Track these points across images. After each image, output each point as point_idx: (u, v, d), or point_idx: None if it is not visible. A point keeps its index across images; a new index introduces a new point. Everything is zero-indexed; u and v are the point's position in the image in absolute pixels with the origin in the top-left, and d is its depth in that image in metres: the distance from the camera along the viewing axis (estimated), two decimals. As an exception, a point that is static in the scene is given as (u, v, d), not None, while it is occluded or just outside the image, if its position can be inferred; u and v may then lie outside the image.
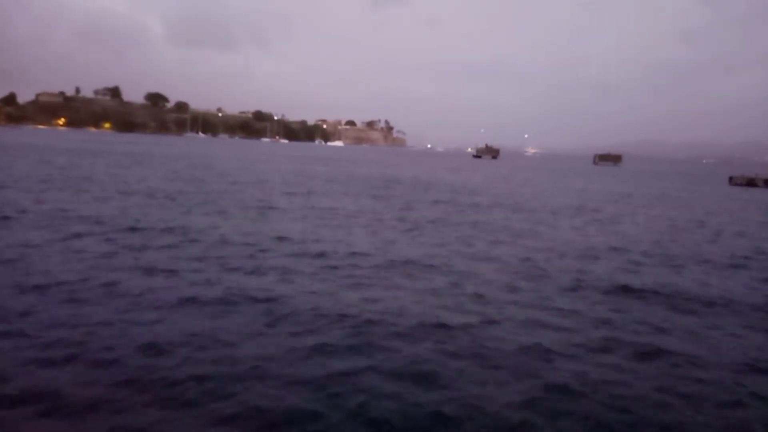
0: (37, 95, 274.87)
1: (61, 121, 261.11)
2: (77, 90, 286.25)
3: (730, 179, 62.38)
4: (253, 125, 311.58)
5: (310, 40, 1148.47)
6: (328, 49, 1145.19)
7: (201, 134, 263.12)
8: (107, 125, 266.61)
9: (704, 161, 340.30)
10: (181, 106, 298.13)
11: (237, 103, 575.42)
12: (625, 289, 10.31)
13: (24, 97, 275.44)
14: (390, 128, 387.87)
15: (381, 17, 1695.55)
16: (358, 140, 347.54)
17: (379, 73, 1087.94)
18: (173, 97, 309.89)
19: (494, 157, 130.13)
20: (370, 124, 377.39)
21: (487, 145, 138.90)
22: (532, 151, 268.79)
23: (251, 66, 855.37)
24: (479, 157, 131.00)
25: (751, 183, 58.04)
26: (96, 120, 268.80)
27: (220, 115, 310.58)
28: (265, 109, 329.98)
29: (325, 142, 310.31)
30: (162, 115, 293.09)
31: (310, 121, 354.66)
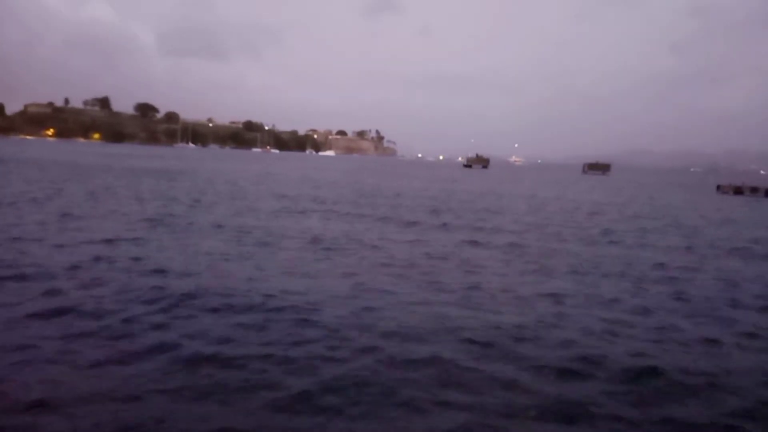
0: (26, 106, 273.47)
1: (50, 131, 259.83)
2: (66, 101, 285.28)
3: (718, 187, 63.47)
4: (244, 135, 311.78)
5: (302, 51, 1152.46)
6: (320, 59, 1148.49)
7: (191, 145, 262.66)
8: (96, 136, 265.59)
9: (692, 170, 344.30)
10: (171, 117, 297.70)
11: (228, 114, 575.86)
12: None
13: (12, 107, 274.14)
14: (380, 138, 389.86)
15: (373, 28, 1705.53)
16: (349, 150, 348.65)
17: (370, 83, 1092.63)
18: (164, 107, 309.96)
19: (484, 167, 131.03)
20: (361, 134, 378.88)
21: (477, 155, 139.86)
22: (517, 160, 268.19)
23: (243, 76, 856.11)
24: (470, 166, 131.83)
25: (738, 191, 59.07)
26: (85, 131, 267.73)
27: (210, 125, 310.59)
28: (255, 119, 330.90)
29: (316, 152, 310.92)
30: (152, 126, 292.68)
31: (301, 131, 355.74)
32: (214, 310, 8.12)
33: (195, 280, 9.74)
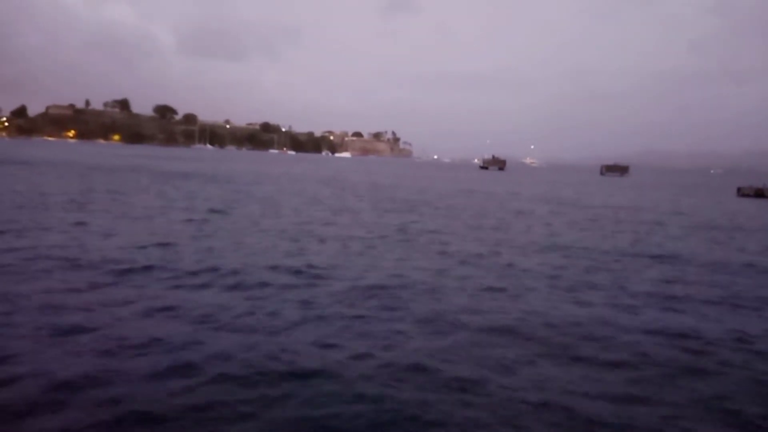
0: (47, 108, 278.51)
1: (71, 133, 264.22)
2: (87, 102, 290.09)
3: (738, 190, 62.72)
4: (261, 137, 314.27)
5: (319, 51, 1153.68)
6: (337, 59, 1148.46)
7: (209, 146, 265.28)
8: (116, 137, 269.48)
9: (711, 171, 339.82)
10: (190, 118, 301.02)
11: (245, 115, 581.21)
12: None
13: (34, 109, 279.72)
14: (396, 139, 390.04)
15: (390, 27, 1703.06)
16: (365, 151, 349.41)
17: (387, 83, 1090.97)
18: (182, 108, 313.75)
19: (501, 169, 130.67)
20: (377, 136, 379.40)
21: (494, 156, 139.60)
22: (532, 162, 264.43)
23: (260, 77, 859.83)
24: (486, 168, 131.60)
25: (759, 194, 58.32)
26: (105, 132, 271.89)
27: (227, 126, 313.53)
28: (272, 121, 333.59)
29: (332, 153, 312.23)
30: (170, 127, 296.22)
31: (317, 133, 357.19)
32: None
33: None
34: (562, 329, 8.79)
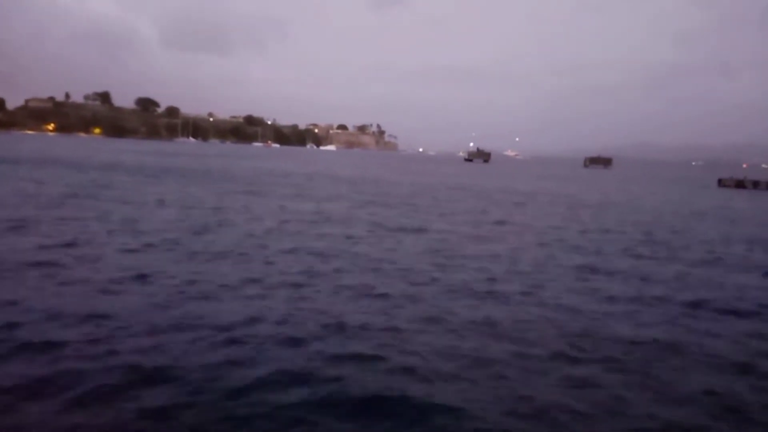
0: (27, 101, 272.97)
1: (51, 126, 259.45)
2: (67, 95, 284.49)
3: (719, 181, 62.96)
4: (245, 130, 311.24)
5: (306, 44, 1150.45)
6: (324, 52, 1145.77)
7: (192, 139, 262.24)
8: (97, 131, 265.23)
9: (693, 163, 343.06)
10: (172, 111, 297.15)
11: (231, 108, 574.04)
12: None
13: (13, 102, 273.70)
14: (382, 132, 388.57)
15: (378, 20, 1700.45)
16: (350, 144, 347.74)
17: (374, 77, 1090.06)
18: (166, 102, 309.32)
19: (485, 161, 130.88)
20: (362, 129, 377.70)
21: (478, 149, 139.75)
22: (516, 155, 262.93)
23: (246, 70, 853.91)
24: (470, 160, 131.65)
25: (739, 185, 58.63)
26: (86, 125, 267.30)
27: (211, 119, 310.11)
28: (257, 114, 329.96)
29: (317, 146, 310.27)
30: (152, 120, 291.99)
31: (302, 126, 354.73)
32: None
33: None
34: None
